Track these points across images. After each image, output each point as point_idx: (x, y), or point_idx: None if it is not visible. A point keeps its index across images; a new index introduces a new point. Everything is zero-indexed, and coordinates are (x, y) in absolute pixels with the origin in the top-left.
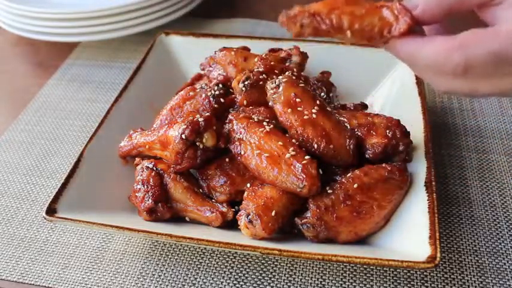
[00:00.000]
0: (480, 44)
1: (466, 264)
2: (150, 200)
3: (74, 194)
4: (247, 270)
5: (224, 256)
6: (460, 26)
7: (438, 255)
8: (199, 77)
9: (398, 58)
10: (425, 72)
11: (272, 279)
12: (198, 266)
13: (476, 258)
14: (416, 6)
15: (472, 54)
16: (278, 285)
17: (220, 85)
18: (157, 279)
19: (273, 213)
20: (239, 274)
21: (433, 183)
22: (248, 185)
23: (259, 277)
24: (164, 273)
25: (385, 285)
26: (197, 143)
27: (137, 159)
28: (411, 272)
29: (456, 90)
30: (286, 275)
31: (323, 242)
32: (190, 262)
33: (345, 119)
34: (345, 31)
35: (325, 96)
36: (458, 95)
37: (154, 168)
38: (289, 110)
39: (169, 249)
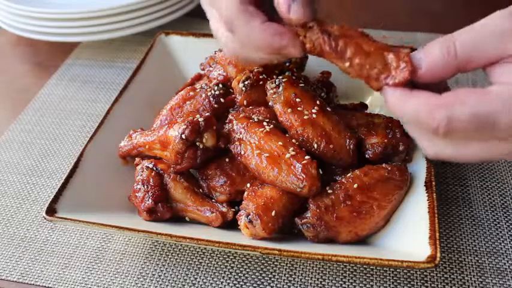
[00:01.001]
0: (464, 105)
1: (466, 264)
2: (150, 200)
3: (74, 194)
4: (247, 270)
5: (224, 256)
6: None
7: (438, 255)
8: (199, 77)
9: (388, 109)
10: (411, 128)
11: (272, 279)
12: (198, 266)
13: (476, 258)
14: (420, 66)
15: (455, 115)
16: (278, 285)
17: (220, 85)
18: (157, 279)
19: (273, 213)
20: (239, 274)
21: (433, 183)
22: (248, 185)
23: (259, 277)
24: (164, 273)
25: (385, 285)
26: (197, 143)
27: (137, 159)
28: (411, 272)
29: (442, 154)
30: (286, 275)
31: (323, 242)
32: (190, 262)
33: (345, 119)
34: (345, 61)
35: (325, 96)
36: (446, 159)
37: (154, 168)
38: (289, 110)
39: (169, 249)
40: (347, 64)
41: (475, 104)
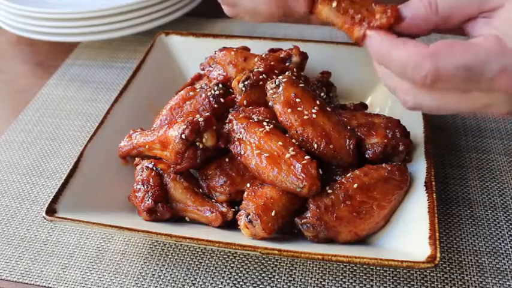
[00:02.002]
0: (453, 55)
1: (466, 264)
2: (150, 200)
3: (74, 194)
4: (247, 270)
5: (224, 256)
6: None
7: (438, 255)
8: (199, 77)
9: (372, 55)
10: (392, 78)
11: (272, 279)
12: (198, 266)
13: (476, 258)
14: (403, 18)
15: (443, 64)
16: (278, 285)
17: (220, 85)
18: (157, 279)
19: (272, 213)
20: (239, 274)
21: (433, 183)
22: (248, 185)
23: (259, 277)
24: (164, 273)
25: (385, 285)
26: (197, 143)
27: (137, 159)
28: (411, 272)
29: (422, 104)
30: (286, 275)
31: (323, 242)
32: (190, 262)
33: (345, 119)
34: (332, 1)
35: (325, 96)
36: (424, 110)
37: (154, 168)
38: (289, 110)
39: (169, 249)
40: (334, 4)
41: (463, 54)
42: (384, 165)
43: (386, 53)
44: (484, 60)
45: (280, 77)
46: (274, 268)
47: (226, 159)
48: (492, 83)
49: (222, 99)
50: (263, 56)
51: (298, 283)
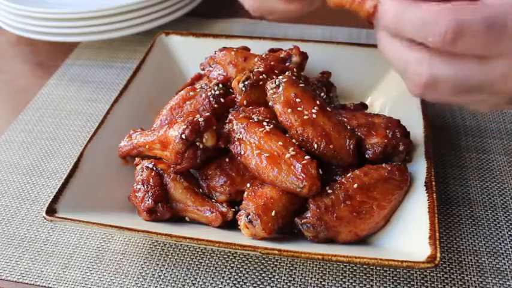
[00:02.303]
0: (475, 9)
1: (466, 264)
2: (150, 200)
3: (74, 194)
4: (247, 270)
5: (224, 256)
6: None
7: (438, 255)
8: (199, 77)
9: (384, 24)
10: (404, 51)
11: (272, 279)
12: (198, 266)
13: (476, 258)
14: None
15: (465, 19)
16: (278, 285)
17: (220, 85)
18: (157, 279)
19: (272, 213)
20: (239, 274)
21: (433, 183)
22: (248, 185)
23: (259, 277)
24: (164, 273)
25: (385, 285)
26: (197, 143)
27: (137, 159)
28: (411, 272)
29: (438, 75)
30: (286, 275)
31: (323, 242)
32: (190, 262)
33: (345, 119)
34: None
35: (325, 96)
36: (439, 88)
37: (154, 168)
38: (289, 110)
39: (169, 249)
40: None
41: (484, 7)
42: (384, 165)
43: (401, 14)
44: (507, 11)
45: (280, 77)
46: (274, 268)
47: (226, 159)
48: None
49: (222, 99)
50: (263, 56)
51: (298, 283)
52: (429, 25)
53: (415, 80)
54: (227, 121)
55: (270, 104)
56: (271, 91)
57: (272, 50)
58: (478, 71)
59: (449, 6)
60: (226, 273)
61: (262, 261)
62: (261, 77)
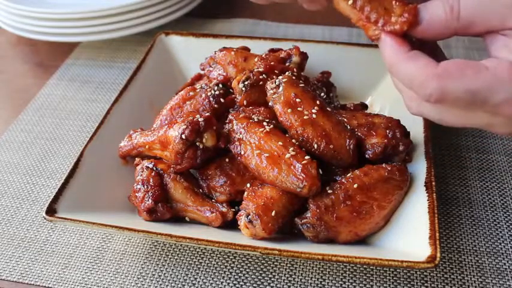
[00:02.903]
0: (460, 79)
1: (466, 264)
2: (150, 200)
3: (74, 194)
4: (247, 270)
5: (224, 256)
6: None
7: (438, 255)
8: (199, 77)
9: (383, 58)
10: (400, 86)
11: (272, 279)
12: (198, 266)
13: (476, 258)
14: (421, 21)
15: (449, 88)
16: (278, 285)
17: (220, 85)
18: (157, 279)
19: (273, 213)
20: (239, 274)
21: (433, 183)
22: (248, 185)
23: (259, 277)
24: (164, 273)
25: (385, 285)
26: (197, 143)
27: (137, 159)
28: (411, 272)
29: (424, 113)
30: (286, 275)
31: (323, 242)
32: (190, 262)
33: (345, 119)
34: None
35: (325, 96)
36: (427, 118)
37: (154, 168)
38: (289, 110)
39: (169, 249)
40: (350, 1)
41: (470, 79)
42: (384, 165)
43: (396, 63)
44: (491, 87)
45: (280, 77)
46: (274, 268)
47: (226, 159)
48: (496, 109)
49: (222, 99)
50: (263, 56)
51: (298, 283)
52: (416, 86)
53: (406, 107)
54: (227, 121)
55: (270, 104)
56: (271, 91)
57: (272, 50)
58: (462, 119)
59: (439, 70)
60: (226, 273)
61: (262, 261)
62: (261, 77)
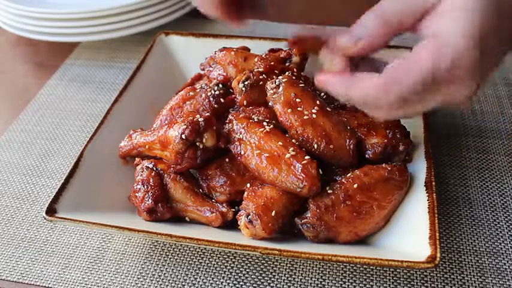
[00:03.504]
0: (407, 77)
1: (466, 264)
2: (150, 200)
3: (74, 194)
4: (247, 270)
5: (224, 256)
6: None
7: (438, 255)
8: (199, 77)
9: (332, 94)
10: (361, 106)
11: (272, 279)
12: (198, 266)
13: (476, 258)
14: (359, 39)
15: (404, 89)
16: (278, 285)
17: (220, 85)
18: (157, 279)
19: (273, 213)
20: (239, 274)
21: (433, 183)
22: (248, 185)
23: (259, 277)
24: (164, 273)
25: (385, 285)
26: (197, 143)
27: (137, 159)
28: (411, 272)
29: (394, 117)
30: (286, 275)
31: (323, 242)
32: (190, 262)
33: (345, 119)
34: None
35: (325, 96)
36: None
37: (154, 168)
38: (289, 110)
39: (169, 249)
40: None
41: (410, 74)
42: (384, 165)
43: (345, 93)
44: (429, 69)
45: (280, 77)
46: (274, 268)
47: (226, 159)
48: (445, 81)
49: (222, 99)
50: (263, 56)
51: (298, 283)
52: (372, 103)
53: (377, 118)
54: (227, 121)
55: (270, 104)
56: (271, 91)
57: (272, 50)
58: (427, 104)
59: (383, 80)
60: (226, 273)
61: (262, 261)
62: (261, 77)
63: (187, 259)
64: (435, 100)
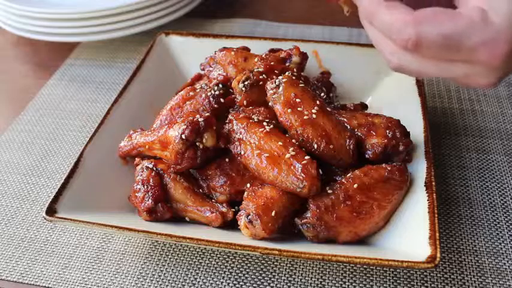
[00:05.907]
0: (434, 24)
1: (466, 264)
2: (150, 200)
3: (74, 194)
4: (247, 270)
5: (224, 256)
6: None
7: (438, 255)
8: (199, 77)
9: (360, 11)
10: (380, 39)
11: (272, 279)
12: (198, 266)
13: (476, 259)
14: None
15: (424, 32)
16: (278, 285)
17: (220, 85)
18: (157, 279)
19: (273, 214)
20: (239, 274)
21: (433, 183)
22: (248, 185)
23: (259, 277)
24: (164, 273)
25: (385, 285)
26: (197, 143)
27: (137, 159)
28: (411, 272)
29: (405, 66)
30: (286, 275)
31: (323, 242)
32: (190, 262)
33: (345, 119)
34: None
35: (325, 96)
36: (407, 73)
37: (154, 168)
38: (289, 110)
39: (169, 249)
40: None
41: (445, 23)
42: (384, 165)
43: (374, 13)
44: (464, 31)
45: (280, 77)
46: (274, 268)
47: (226, 159)
48: (471, 54)
49: (222, 99)
50: (263, 56)
51: (298, 283)
52: (394, 32)
53: (387, 62)
54: (227, 121)
55: (270, 104)
56: (271, 91)
57: (272, 50)
58: (441, 69)
59: (414, 17)
60: (226, 273)
61: (262, 261)
62: (261, 77)
63: (187, 259)
64: (453, 68)
